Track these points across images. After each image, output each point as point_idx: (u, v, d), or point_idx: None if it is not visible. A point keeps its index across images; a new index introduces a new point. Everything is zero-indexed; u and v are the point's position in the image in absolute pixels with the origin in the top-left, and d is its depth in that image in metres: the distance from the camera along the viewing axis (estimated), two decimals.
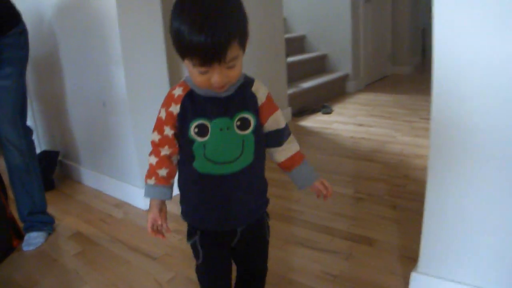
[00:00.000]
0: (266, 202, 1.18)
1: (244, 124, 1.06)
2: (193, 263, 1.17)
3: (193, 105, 1.05)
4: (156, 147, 1.09)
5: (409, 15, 6.19)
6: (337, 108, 4.28)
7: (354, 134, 3.35)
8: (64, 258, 1.87)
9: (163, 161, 1.09)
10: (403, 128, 3.39)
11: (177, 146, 1.08)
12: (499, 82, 1.15)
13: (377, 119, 3.78)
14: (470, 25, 1.16)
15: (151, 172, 1.10)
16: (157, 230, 1.11)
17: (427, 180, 1.33)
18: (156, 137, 1.08)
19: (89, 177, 2.58)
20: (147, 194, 1.12)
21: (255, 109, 1.09)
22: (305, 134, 3.46)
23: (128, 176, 2.30)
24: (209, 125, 1.04)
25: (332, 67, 5.08)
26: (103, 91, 2.23)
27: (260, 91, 1.09)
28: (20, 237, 1.99)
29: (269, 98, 1.11)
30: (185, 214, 1.16)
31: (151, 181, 1.11)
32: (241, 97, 1.07)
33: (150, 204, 1.11)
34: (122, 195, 2.36)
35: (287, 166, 1.19)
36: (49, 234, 2.04)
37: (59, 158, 2.72)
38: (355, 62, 5.09)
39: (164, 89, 2.22)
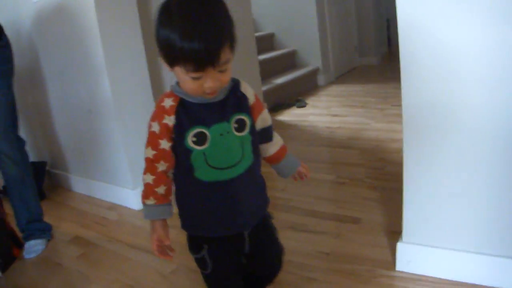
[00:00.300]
0: (267, 200, 1.19)
1: (240, 126, 1.06)
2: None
3: (188, 114, 1.02)
4: (151, 163, 1.05)
5: (373, 7, 6.35)
6: (310, 101, 4.41)
7: (330, 124, 3.48)
8: (67, 261, 1.94)
9: (161, 178, 1.05)
10: (376, 116, 3.55)
11: (173, 159, 1.05)
12: (461, 64, 1.28)
13: (350, 108, 3.93)
14: (431, 12, 1.29)
15: (149, 191, 1.06)
16: (163, 251, 1.09)
17: (404, 157, 1.46)
18: (150, 153, 1.04)
19: (79, 184, 2.64)
20: (148, 216, 1.08)
21: (247, 110, 1.09)
22: (283, 128, 3.57)
23: (118, 179, 2.37)
24: (207, 132, 1.02)
25: (303, 62, 5.21)
26: (88, 99, 2.30)
27: (248, 91, 1.10)
28: (20, 246, 2.04)
29: (257, 97, 1.12)
30: (188, 226, 1.14)
31: (150, 201, 1.07)
32: (234, 99, 1.06)
33: (152, 225, 1.08)
34: (114, 198, 2.43)
35: (276, 158, 1.22)
36: (48, 240, 2.09)
37: (47, 168, 2.77)
38: (324, 56, 5.23)
39: (147, 93, 2.31)
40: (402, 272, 1.55)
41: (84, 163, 2.57)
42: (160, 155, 1.03)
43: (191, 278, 1.68)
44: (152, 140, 1.03)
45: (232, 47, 0.98)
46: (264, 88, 4.05)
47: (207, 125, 1.02)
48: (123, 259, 1.89)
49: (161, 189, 1.05)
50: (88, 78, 2.24)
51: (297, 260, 1.68)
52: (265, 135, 1.17)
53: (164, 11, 0.94)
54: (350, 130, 3.24)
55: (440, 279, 1.49)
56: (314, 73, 5.13)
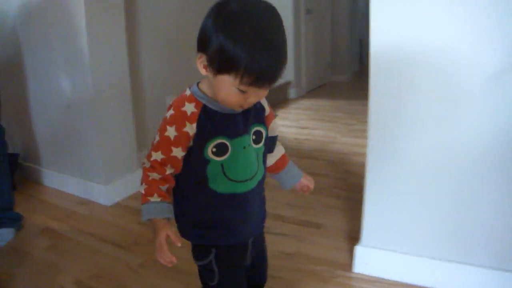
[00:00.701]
0: (265, 210, 1.16)
1: (258, 138, 1.03)
2: None
3: (212, 123, 0.96)
4: (160, 165, 0.97)
5: (348, 26, 6.60)
6: (281, 113, 4.55)
7: (298, 136, 3.62)
8: (36, 251, 1.97)
9: (168, 178, 0.98)
10: (342, 130, 3.72)
11: (180, 165, 0.99)
12: (422, 83, 1.42)
13: (318, 122, 4.08)
14: (401, 37, 1.43)
15: (154, 188, 0.97)
16: (167, 254, 0.96)
17: (366, 170, 1.60)
18: (159, 156, 0.96)
19: (51, 178, 2.67)
20: (153, 214, 0.97)
21: (264, 121, 1.06)
22: None
23: (91, 175, 2.41)
24: (229, 143, 0.97)
25: None
26: (68, 95, 2.35)
27: (265, 101, 1.06)
28: None
29: (269, 106, 1.09)
30: (196, 235, 1.07)
31: (155, 198, 0.97)
32: (255, 111, 1.02)
33: (157, 225, 0.97)
34: (85, 193, 2.46)
35: (277, 167, 1.18)
36: (18, 230, 2.12)
37: (19, 161, 2.79)
38: (297, 70, 5.39)
39: (126, 92, 2.38)
40: (359, 274, 1.67)
41: (58, 158, 2.60)
42: (168, 160, 0.97)
43: (159, 271, 1.74)
44: (164, 146, 0.96)
45: None
46: None
47: (229, 136, 0.97)
48: (92, 251, 1.94)
49: (165, 188, 0.98)
50: (71, 74, 2.29)
51: None
52: (270, 144, 1.12)
53: (227, 14, 0.87)
54: (317, 142, 3.38)
55: (394, 281, 1.62)
56: (286, 86, 5.26)
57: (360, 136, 3.45)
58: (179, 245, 0.95)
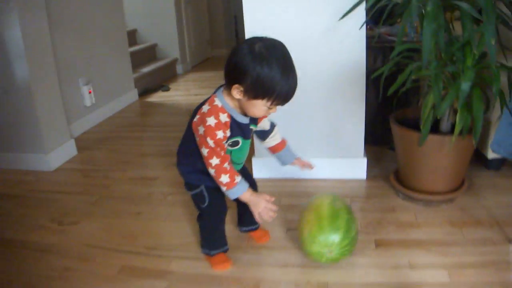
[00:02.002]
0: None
1: (251, 133, 1.49)
2: None
3: (237, 129, 1.37)
4: (223, 157, 1.36)
5: (222, 5, 7.25)
6: (173, 86, 5.19)
7: (192, 101, 4.33)
8: (4, 209, 2.30)
9: (226, 156, 1.39)
10: None
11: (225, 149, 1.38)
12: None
13: (207, 89, 4.81)
14: (268, 10, 2.10)
15: (232, 173, 1.37)
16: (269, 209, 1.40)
17: None
18: (220, 150, 1.34)
19: None
20: (243, 189, 1.39)
21: (257, 121, 1.49)
22: (153, 107, 4.32)
23: (31, 148, 2.76)
24: (241, 141, 1.42)
25: (164, 54, 5.92)
26: (3, 80, 2.64)
27: None
28: None
29: None
30: (195, 178, 1.52)
31: (239, 178, 1.40)
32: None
33: (248, 197, 1.40)
34: (27, 166, 2.79)
35: (276, 148, 1.65)
36: None
37: None
38: (182, 48, 6.03)
39: (53, 74, 2.80)
40: (256, 178, 2.17)
41: None
42: (223, 149, 1.36)
43: (112, 205, 2.27)
44: (219, 144, 1.33)
45: None
46: (135, 76, 4.71)
47: (244, 137, 1.42)
48: (53, 200, 2.35)
49: (229, 165, 1.40)
50: (5, 61, 2.57)
51: None
52: (263, 133, 1.60)
53: (258, 53, 1.21)
54: None
55: (282, 178, 2.39)
56: (173, 63, 5.89)
57: None
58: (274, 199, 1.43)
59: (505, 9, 1.77)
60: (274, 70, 1.20)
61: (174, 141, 3.05)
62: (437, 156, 1.95)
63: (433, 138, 1.90)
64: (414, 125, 1.98)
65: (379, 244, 1.82)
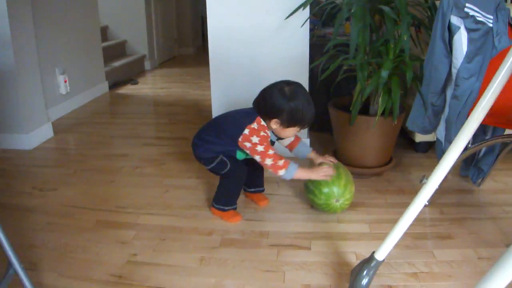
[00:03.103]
0: None
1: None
2: None
3: (270, 141, 1.85)
4: (274, 155, 1.81)
5: (190, 6, 7.54)
6: (141, 80, 5.47)
7: (159, 93, 4.69)
8: None
9: (278, 155, 1.83)
10: (193, 87, 4.90)
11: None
12: (238, 45, 2.57)
13: (173, 83, 5.19)
14: (229, 13, 2.51)
15: (285, 160, 1.81)
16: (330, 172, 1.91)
17: (212, 104, 2.72)
18: (271, 151, 1.80)
19: None
20: (296, 167, 1.83)
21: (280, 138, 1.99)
22: (122, 98, 4.61)
23: (12, 129, 2.97)
24: None
25: (133, 50, 6.19)
26: None
27: None
28: None
29: None
30: (214, 153, 1.91)
31: (289, 162, 1.83)
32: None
33: (303, 173, 1.87)
34: (7, 145, 3.00)
35: (291, 146, 2.06)
36: None
37: None
38: (150, 46, 6.30)
39: (35, 63, 3.04)
40: None
41: None
42: (271, 148, 1.83)
43: (90, 176, 2.61)
44: (268, 147, 1.81)
45: None
46: (106, 69, 4.97)
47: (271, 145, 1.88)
48: (34, 173, 2.58)
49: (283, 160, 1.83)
50: None
51: None
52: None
53: (288, 93, 1.75)
54: (175, 96, 4.50)
55: None
56: (142, 59, 6.17)
57: (206, 89, 4.62)
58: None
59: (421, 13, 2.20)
60: (302, 105, 1.72)
61: (141, 126, 3.51)
62: (366, 135, 2.34)
63: (361, 119, 2.29)
64: (349, 110, 2.36)
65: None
